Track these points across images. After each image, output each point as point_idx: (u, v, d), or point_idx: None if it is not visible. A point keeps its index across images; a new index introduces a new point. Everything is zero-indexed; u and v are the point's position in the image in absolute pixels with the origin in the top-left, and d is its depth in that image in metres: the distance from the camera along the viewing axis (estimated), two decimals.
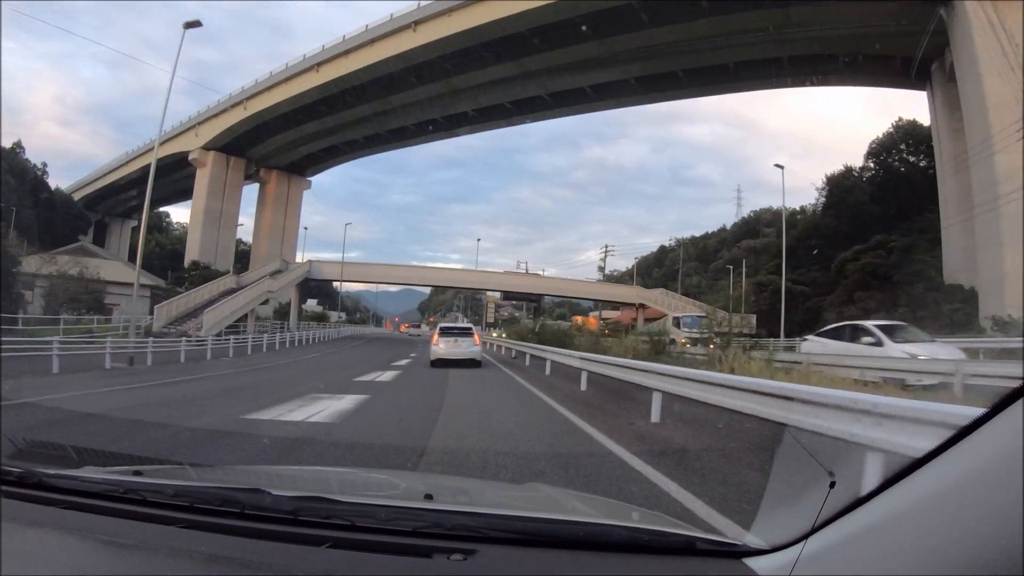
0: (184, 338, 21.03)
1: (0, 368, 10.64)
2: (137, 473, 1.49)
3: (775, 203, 66.22)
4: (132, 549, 1.07)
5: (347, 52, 40.28)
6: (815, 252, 38.78)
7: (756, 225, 59.76)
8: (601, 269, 54.00)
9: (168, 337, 20.43)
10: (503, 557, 1.03)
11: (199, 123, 53.00)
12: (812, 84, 38.97)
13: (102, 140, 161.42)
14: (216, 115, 50.14)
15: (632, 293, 46.32)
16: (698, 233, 68.02)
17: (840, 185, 42.87)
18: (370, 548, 1.04)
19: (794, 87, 40.39)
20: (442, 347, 15.46)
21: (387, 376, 12.14)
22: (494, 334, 36.80)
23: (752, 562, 0.98)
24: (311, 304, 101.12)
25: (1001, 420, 0.74)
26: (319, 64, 41.90)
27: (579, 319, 43.30)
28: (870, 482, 0.84)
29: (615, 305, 50.21)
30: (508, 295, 47.69)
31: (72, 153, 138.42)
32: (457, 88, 41.45)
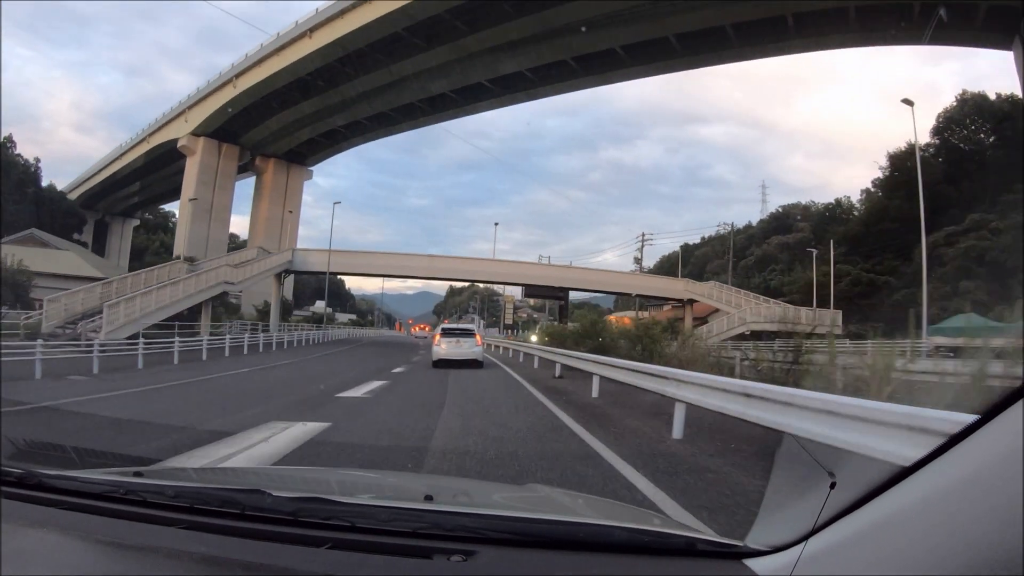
0: (84, 341, 16.69)
1: (0, 371, 9.75)
2: (138, 474, 1.47)
3: (802, 199, 58.11)
4: (132, 550, 1.08)
5: (343, 12, 36.03)
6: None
7: (786, 221, 57.08)
8: (638, 261, 45.47)
9: (57, 340, 17.00)
10: (503, 558, 1.03)
11: (189, 107, 48.85)
12: (876, 43, 35.03)
13: (118, 145, 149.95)
14: (205, 97, 46.58)
15: (680, 287, 37.44)
16: (723, 231, 63.71)
17: (904, 164, 38.40)
18: (370, 549, 1.04)
19: (856, 46, 36.80)
20: (444, 347, 15.81)
21: (278, 445, 5.42)
22: (533, 338, 28.70)
23: (752, 563, 0.97)
24: (320, 305, 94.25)
25: (1000, 421, 0.73)
26: (312, 29, 37.86)
27: (614, 318, 34.59)
28: (872, 483, 0.85)
29: (640, 303, 41.21)
30: (531, 291, 39.01)
31: (91, 159, 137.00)
32: (471, 51, 36.72)
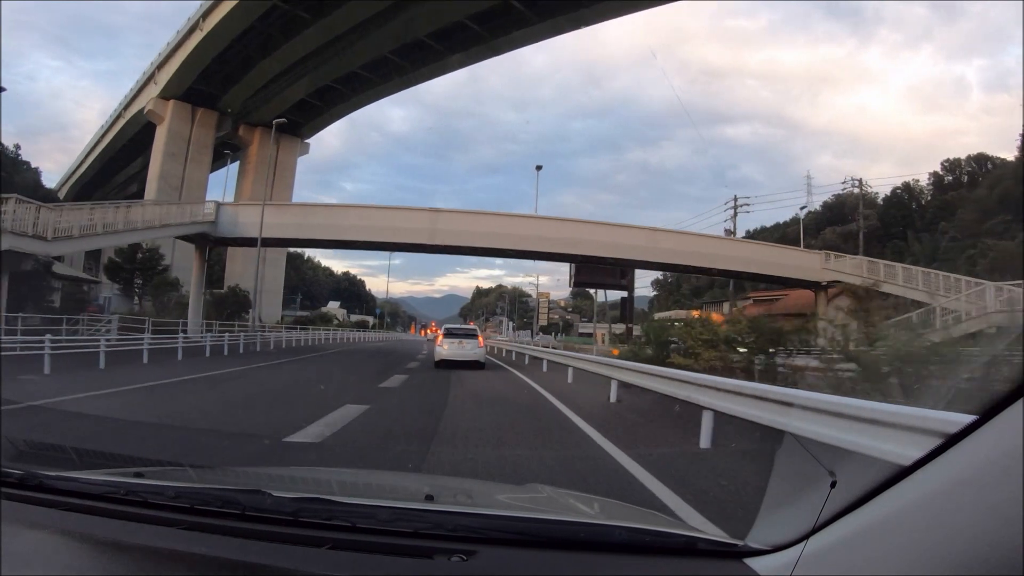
0: None
1: (0, 371, 9.29)
2: (138, 475, 1.49)
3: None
4: (133, 551, 1.10)
5: None
6: None
7: (841, 210, 51.17)
8: (730, 232, 32.61)
9: None
10: (504, 558, 1.05)
11: (158, 67, 40.11)
12: None
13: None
14: (174, 51, 37.70)
15: (814, 263, 22.58)
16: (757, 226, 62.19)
17: None
18: (371, 549, 1.07)
19: None
20: (446, 348, 16.10)
21: None
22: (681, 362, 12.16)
23: (753, 562, 0.99)
24: (332, 306, 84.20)
25: (999, 421, 0.75)
26: None
27: (696, 313, 21.59)
28: (871, 482, 0.89)
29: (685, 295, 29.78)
30: (581, 270, 25.47)
31: None
32: None
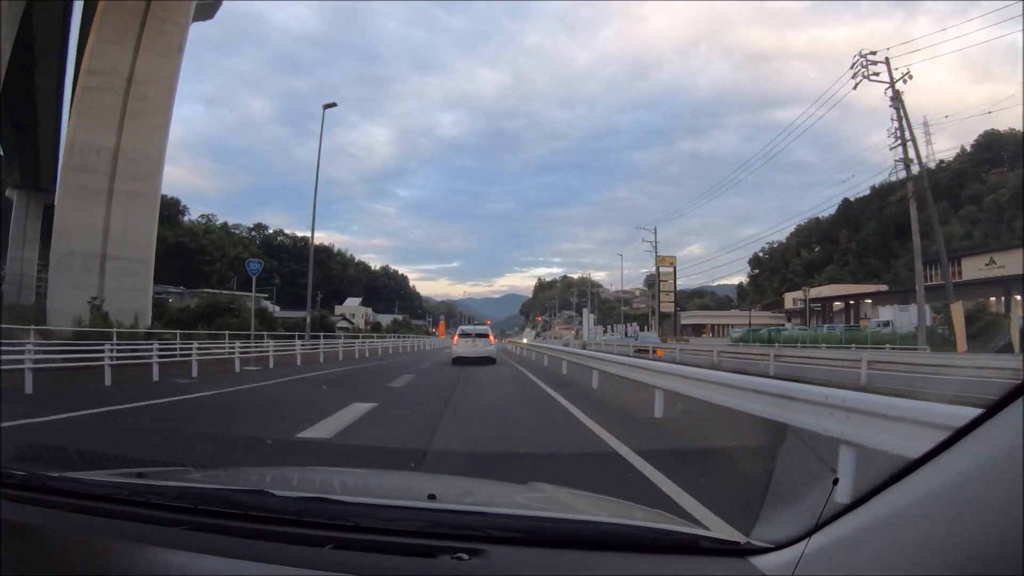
0: None
1: (0, 375, 9.19)
2: (140, 475, 1.48)
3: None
4: (135, 551, 1.10)
5: None
6: None
7: (998, 151, 37.74)
8: None
9: None
10: (508, 557, 1.06)
11: None
12: None
13: (204, 173, 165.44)
14: None
15: None
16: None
17: None
18: (374, 548, 1.07)
19: None
20: (461, 347, 18.42)
21: None
22: None
23: (756, 560, 1.01)
24: (351, 303, 59.44)
25: (1001, 419, 0.75)
26: None
27: None
28: (874, 479, 0.92)
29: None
30: None
31: (173, 186, 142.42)
32: None
